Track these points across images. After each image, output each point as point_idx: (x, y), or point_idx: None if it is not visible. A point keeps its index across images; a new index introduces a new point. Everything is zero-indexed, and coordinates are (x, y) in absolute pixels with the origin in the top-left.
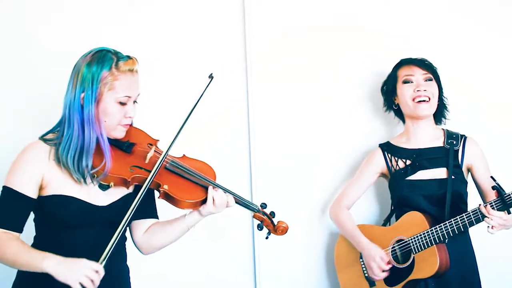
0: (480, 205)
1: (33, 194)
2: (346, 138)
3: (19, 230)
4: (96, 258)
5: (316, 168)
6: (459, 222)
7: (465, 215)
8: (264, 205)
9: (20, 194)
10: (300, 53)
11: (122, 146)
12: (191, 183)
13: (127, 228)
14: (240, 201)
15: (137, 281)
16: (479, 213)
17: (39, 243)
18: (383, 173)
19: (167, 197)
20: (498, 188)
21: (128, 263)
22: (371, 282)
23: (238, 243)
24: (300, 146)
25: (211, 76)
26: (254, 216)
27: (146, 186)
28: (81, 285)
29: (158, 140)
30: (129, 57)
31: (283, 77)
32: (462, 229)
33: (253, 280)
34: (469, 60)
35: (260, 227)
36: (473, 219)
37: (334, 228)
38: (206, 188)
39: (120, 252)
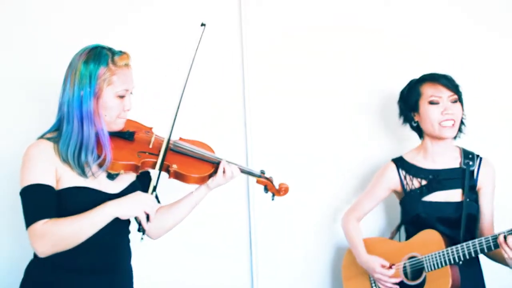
0: (499, 234)
1: (53, 184)
2: (347, 140)
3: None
4: (114, 248)
5: (316, 173)
6: (477, 245)
7: (484, 239)
8: (263, 171)
9: (42, 185)
10: (299, 53)
11: (124, 135)
12: (196, 159)
13: (130, 224)
14: (244, 169)
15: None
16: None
17: None
18: (395, 190)
19: (177, 176)
20: None
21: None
22: None
23: (236, 249)
24: (301, 151)
25: (203, 24)
26: (257, 182)
27: (160, 167)
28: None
29: (152, 127)
30: (122, 52)
31: (282, 78)
32: (479, 252)
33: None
34: (469, 60)
35: (266, 190)
36: (491, 244)
37: (341, 239)
38: (211, 162)
39: (127, 250)
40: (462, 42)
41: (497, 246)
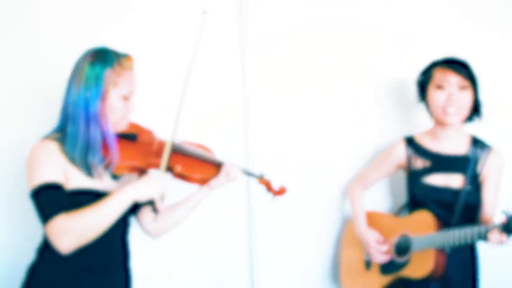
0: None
1: (63, 182)
2: (349, 139)
3: None
4: (113, 249)
5: (316, 173)
6: (462, 236)
7: (469, 230)
8: (262, 174)
9: (54, 183)
10: (300, 51)
11: (128, 136)
12: (199, 160)
13: (128, 227)
14: (245, 171)
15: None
16: (481, 234)
17: None
18: (402, 165)
19: (181, 176)
20: (507, 215)
21: None
22: (368, 264)
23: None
24: (301, 151)
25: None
26: (259, 181)
27: (165, 169)
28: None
29: (152, 130)
30: (127, 54)
31: (282, 77)
32: (463, 244)
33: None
34: (469, 60)
35: (266, 191)
36: (474, 238)
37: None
38: (214, 164)
39: (126, 250)
40: (462, 42)
41: (481, 238)
